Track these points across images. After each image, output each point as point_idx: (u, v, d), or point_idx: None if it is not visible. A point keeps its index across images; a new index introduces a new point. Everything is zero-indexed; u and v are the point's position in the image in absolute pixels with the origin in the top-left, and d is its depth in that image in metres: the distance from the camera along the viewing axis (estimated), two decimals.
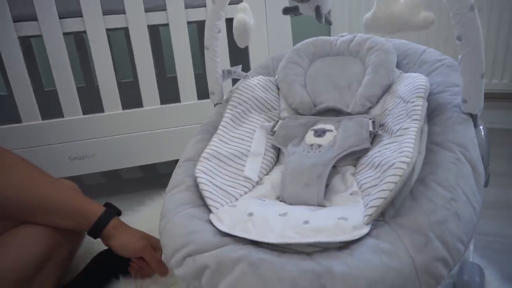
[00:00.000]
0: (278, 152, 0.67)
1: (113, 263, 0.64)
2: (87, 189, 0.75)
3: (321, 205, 0.51)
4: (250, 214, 0.48)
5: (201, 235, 0.47)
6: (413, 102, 0.52)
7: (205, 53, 0.67)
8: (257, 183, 0.60)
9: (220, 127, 0.64)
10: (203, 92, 0.94)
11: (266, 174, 0.62)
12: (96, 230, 0.62)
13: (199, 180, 0.54)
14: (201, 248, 0.45)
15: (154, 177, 1.17)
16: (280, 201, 0.55)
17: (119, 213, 0.67)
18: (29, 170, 0.60)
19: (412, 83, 0.56)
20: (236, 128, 0.65)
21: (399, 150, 0.46)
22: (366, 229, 0.41)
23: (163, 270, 0.66)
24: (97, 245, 0.73)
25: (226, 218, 0.49)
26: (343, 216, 0.43)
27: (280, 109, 0.72)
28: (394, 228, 0.41)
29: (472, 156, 0.46)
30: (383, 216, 0.44)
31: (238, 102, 0.68)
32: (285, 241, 0.42)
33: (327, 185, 0.55)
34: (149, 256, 0.64)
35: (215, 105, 0.72)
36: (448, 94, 0.55)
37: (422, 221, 0.40)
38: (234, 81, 0.78)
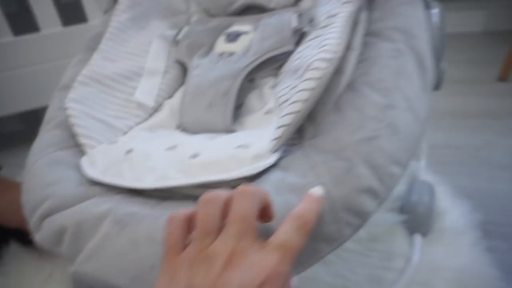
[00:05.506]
0: (185, 68, 0.52)
1: None
2: None
3: (229, 131, 0.39)
4: (129, 151, 0.35)
5: (61, 186, 0.34)
6: None
7: None
8: (156, 109, 0.46)
9: (103, 41, 0.48)
10: None
11: (169, 98, 0.48)
12: None
13: (69, 112, 0.40)
14: (60, 204, 0.33)
15: (37, 127, 0.96)
16: (181, 130, 0.42)
17: None
18: None
19: None
20: (127, 40, 0.49)
21: (320, 45, 0.33)
22: (271, 159, 0.30)
23: None
24: None
25: (100, 160, 0.36)
26: (244, 143, 0.31)
27: (189, 12, 0.55)
28: (308, 153, 0.29)
29: (418, 45, 0.33)
30: (302, 137, 0.32)
31: (128, 5, 0.51)
32: (162, 185, 0.30)
33: (241, 105, 0.43)
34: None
35: (104, 13, 0.55)
36: None
37: (345, 141, 0.28)
38: None
